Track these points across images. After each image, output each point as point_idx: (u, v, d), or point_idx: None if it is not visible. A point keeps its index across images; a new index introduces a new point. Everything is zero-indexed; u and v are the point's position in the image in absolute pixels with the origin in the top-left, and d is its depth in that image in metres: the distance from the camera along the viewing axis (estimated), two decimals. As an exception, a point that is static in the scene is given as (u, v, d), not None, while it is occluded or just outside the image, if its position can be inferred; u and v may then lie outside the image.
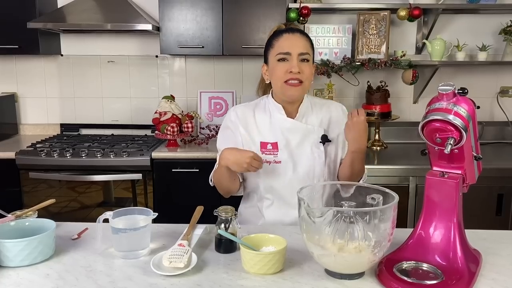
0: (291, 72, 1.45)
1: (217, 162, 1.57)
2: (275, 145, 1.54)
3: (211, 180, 1.62)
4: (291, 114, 1.57)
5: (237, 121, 1.58)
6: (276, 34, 1.52)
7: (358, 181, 1.52)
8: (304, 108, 1.57)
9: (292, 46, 1.46)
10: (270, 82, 1.57)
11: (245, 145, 1.55)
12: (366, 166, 1.60)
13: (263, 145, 1.54)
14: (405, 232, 1.21)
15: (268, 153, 1.53)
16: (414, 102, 3.18)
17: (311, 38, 1.55)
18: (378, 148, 2.93)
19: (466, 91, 1.06)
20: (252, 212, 1.63)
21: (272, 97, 1.58)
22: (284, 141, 1.54)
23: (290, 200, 1.53)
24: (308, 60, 1.48)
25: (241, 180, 1.59)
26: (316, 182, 1.52)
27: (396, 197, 1.07)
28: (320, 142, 1.54)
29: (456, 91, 1.07)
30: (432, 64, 2.88)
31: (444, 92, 1.06)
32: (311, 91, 3.21)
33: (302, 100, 1.57)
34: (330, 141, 1.56)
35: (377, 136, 2.97)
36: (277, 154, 1.53)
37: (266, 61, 1.56)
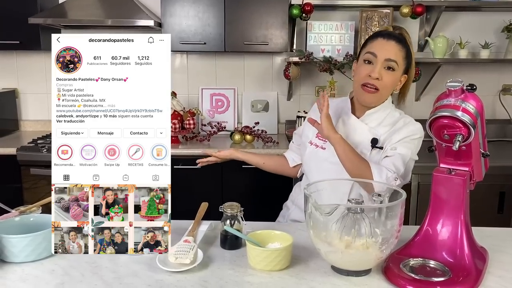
0: (370, 76, 1.43)
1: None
2: None
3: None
4: (361, 112, 1.54)
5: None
6: (373, 36, 1.49)
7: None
8: (376, 114, 1.52)
9: (380, 50, 1.43)
10: None
11: (308, 127, 1.61)
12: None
13: None
14: (411, 229, 1.20)
15: (320, 138, 1.57)
16: (416, 100, 3.17)
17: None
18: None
19: (474, 87, 1.06)
20: (299, 191, 1.70)
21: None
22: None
23: None
24: (394, 70, 1.44)
25: (298, 163, 1.71)
26: (344, 178, 1.47)
27: (404, 194, 1.06)
28: (371, 146, 1.50)
29: (465, 88, 1.06)
30: (434, 61, 2.87)
31: (452, 89, 1.06)
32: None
33: (377, 106, 1.52)
34: (380, 147, 1.49)
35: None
36: (326, 141, 1.53)
37: (357, 59, 1.54)
